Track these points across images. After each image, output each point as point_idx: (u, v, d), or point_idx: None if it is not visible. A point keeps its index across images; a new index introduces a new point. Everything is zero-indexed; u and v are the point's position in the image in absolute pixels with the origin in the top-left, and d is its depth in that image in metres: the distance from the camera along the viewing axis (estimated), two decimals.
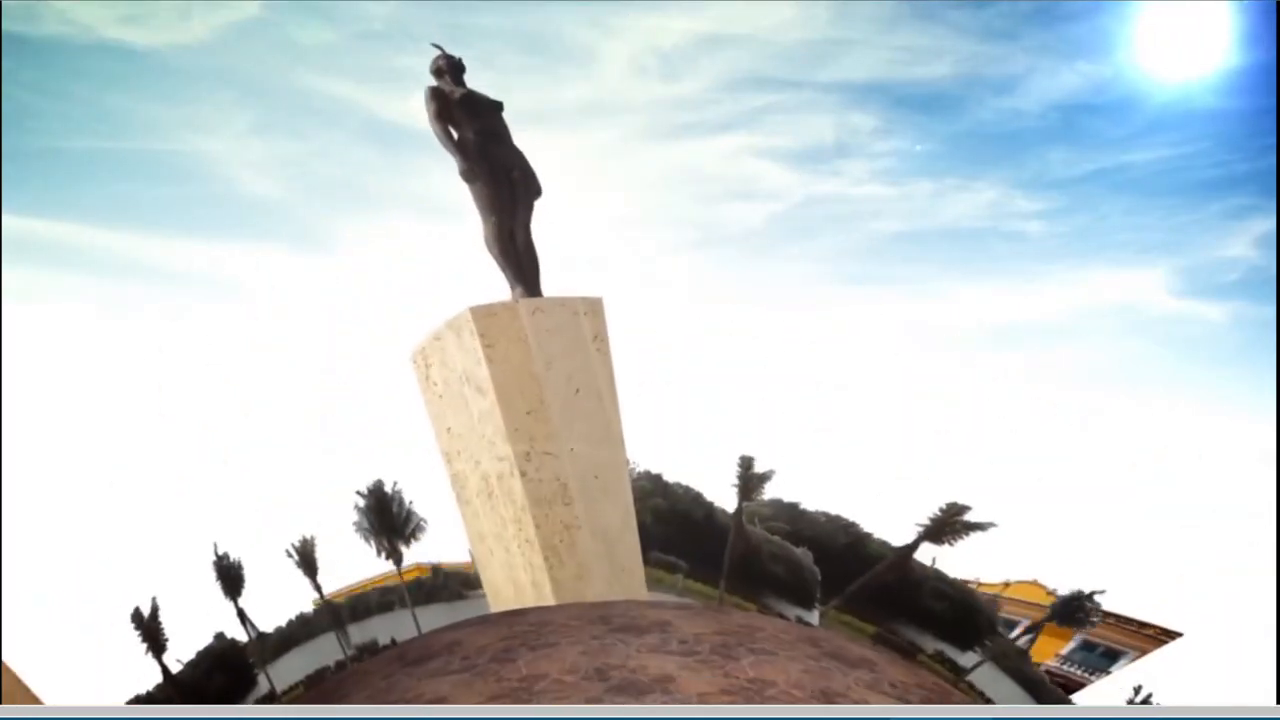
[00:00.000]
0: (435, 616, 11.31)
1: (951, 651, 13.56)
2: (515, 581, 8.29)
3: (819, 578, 14.12)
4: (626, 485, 8.36)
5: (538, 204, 8.18)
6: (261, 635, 13.42)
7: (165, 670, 12.52)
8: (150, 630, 12.57)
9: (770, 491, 12.42)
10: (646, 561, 9.29)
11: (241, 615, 12.64)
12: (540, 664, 5.08)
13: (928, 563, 12.84)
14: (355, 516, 11.82)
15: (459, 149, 7.56)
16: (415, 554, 12.71)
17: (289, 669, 13.87)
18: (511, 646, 5.58)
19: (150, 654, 12.34)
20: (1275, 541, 12.70)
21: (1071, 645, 16.23)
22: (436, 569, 15.00)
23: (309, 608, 14.33)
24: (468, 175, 7.54)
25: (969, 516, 11.42)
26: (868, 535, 15.10)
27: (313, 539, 12.00)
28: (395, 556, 11.82)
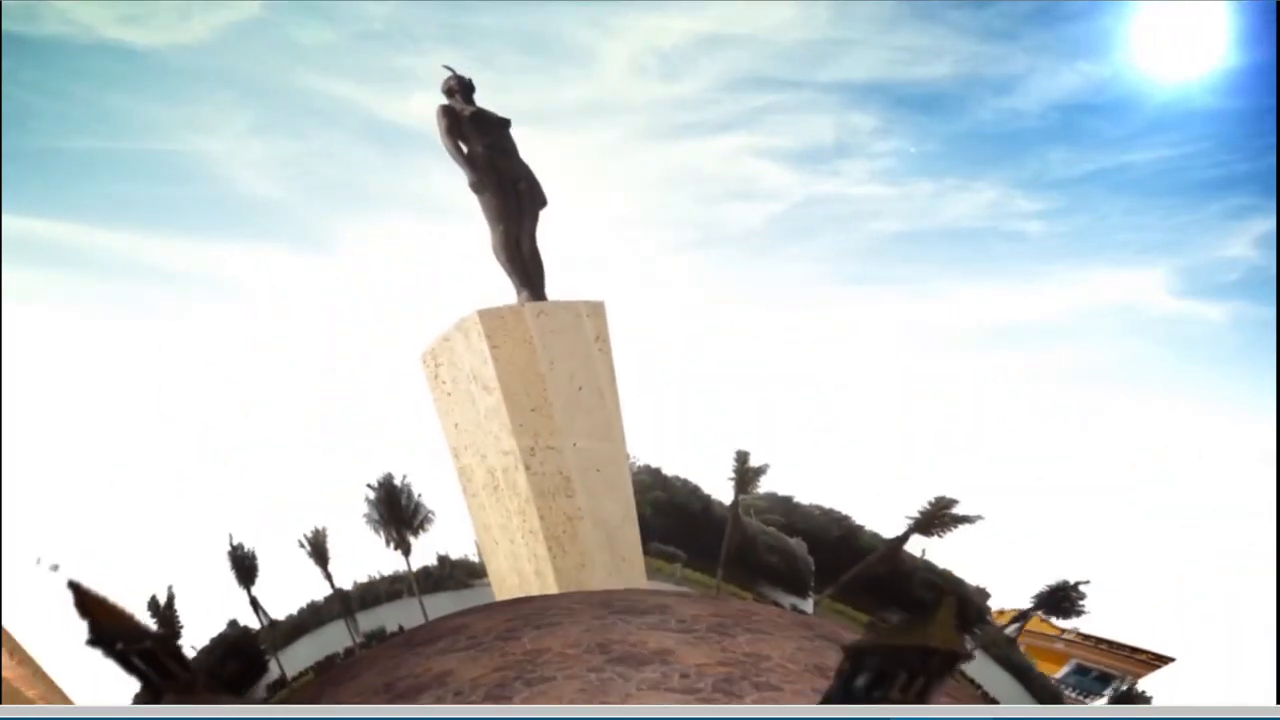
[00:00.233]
0: (442, 604, 11.70)
1: None
2: (520, 571, 8.66)
3: (813, 567, 14.50)
4: (627, 478, 8.74)
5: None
6: (273, 623, 13.83)
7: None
8: (166, 618, 12.94)
9: (766, 485, 12.78)
10: (646, 552, 9.68)
11: (254, 604, 13.01)
12: (544, 639, 5.39)
13: (918, 554, 13.21)
14: (365, 508, 12.19)
15: (469, 163, 7.98)
16: (423, 545, 13.09)
17: (300, 655, 14.29)
18: (516, 627, 5.92)
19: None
20: (1275, 541, 12.86)
21: (1066, 670, 16.65)
22: (443, 559, 15.42)
23: (319, 596, 14.75)
24: (477, 187, 7.95)
25: (957, 510, 11.79)
26: (860, 528, 15.50)
27: (324, 530, 12.39)
28: (404, 547, 12.21)
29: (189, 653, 13.22)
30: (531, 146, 8.60)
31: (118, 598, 3.87)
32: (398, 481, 12.00)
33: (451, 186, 8.53)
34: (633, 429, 8.70)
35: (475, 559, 14.53)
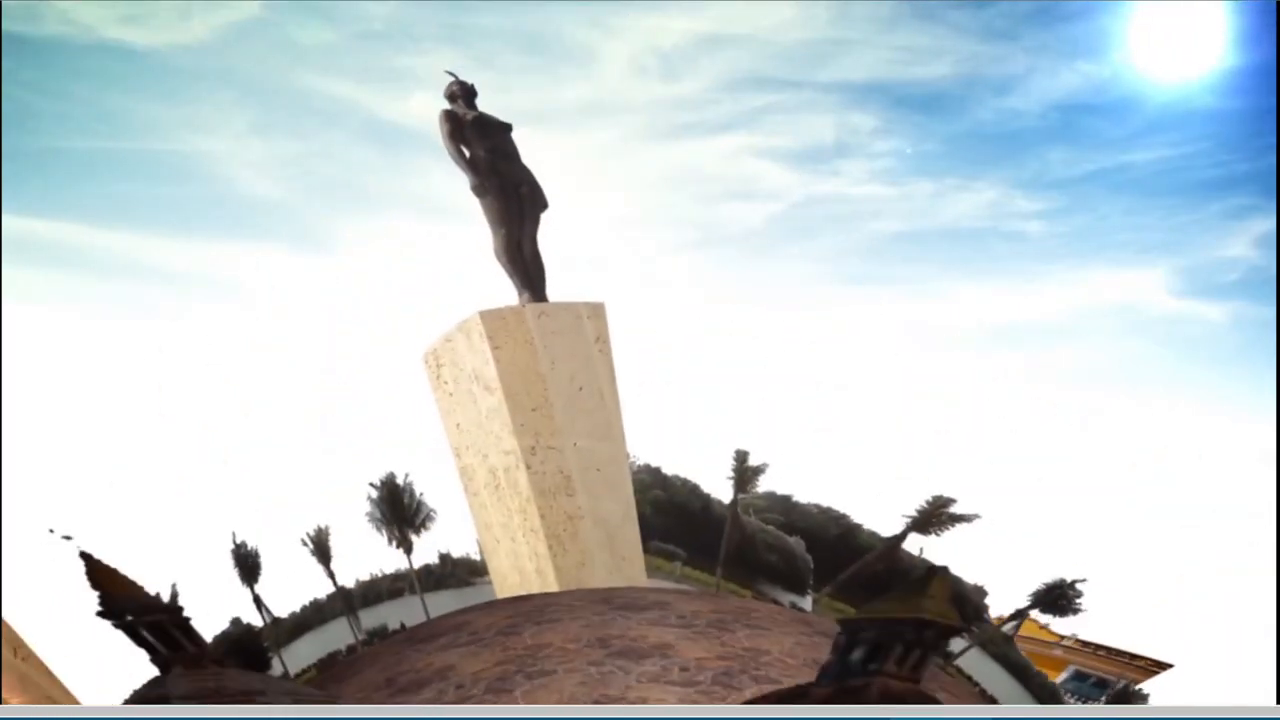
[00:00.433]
0: (444, 602, 11.78)
1: None
2: (521, 569, 8.74)
3: (811, 566, 14.58)
4: (627, 478, 8.83)
5: None
6: (276, 620, 13.92)
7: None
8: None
9: (765, 484, 12.86)
10: (646, 550, 9.77)
11: (257, 601, 13.08)
12: (545, 635, 5.45)
13: (915, 552, 13.27)
14: (368, 507, 12.26)
15: (471, 167, 8.08)
16: (425, 543, 13.17)
17: (302, 652, 14.38)
18: (517, 623, 5.99)
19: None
20: (1275, 541, 12.90)
21: (1064, 675, 16.74)
22: (444, 557, 15.52)
23: (322, 594, 14.85)
24: (479, 190, 8.05)
25: (954, 509, 11.85)
26: (858, 526, 15.60)
27: (327, 529, 12.46)
28: (406, 545, 12.28)
29: None
30: (532, 147, 8.71)
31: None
32: (400, 481, 12.08)
33: (452, 187, 8.63)
34: (633, 429, 8.81)
35: (477, 557, 14.64)
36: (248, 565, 12.49)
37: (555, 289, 8.62)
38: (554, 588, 8.14)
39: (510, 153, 8.22)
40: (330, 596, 14.31)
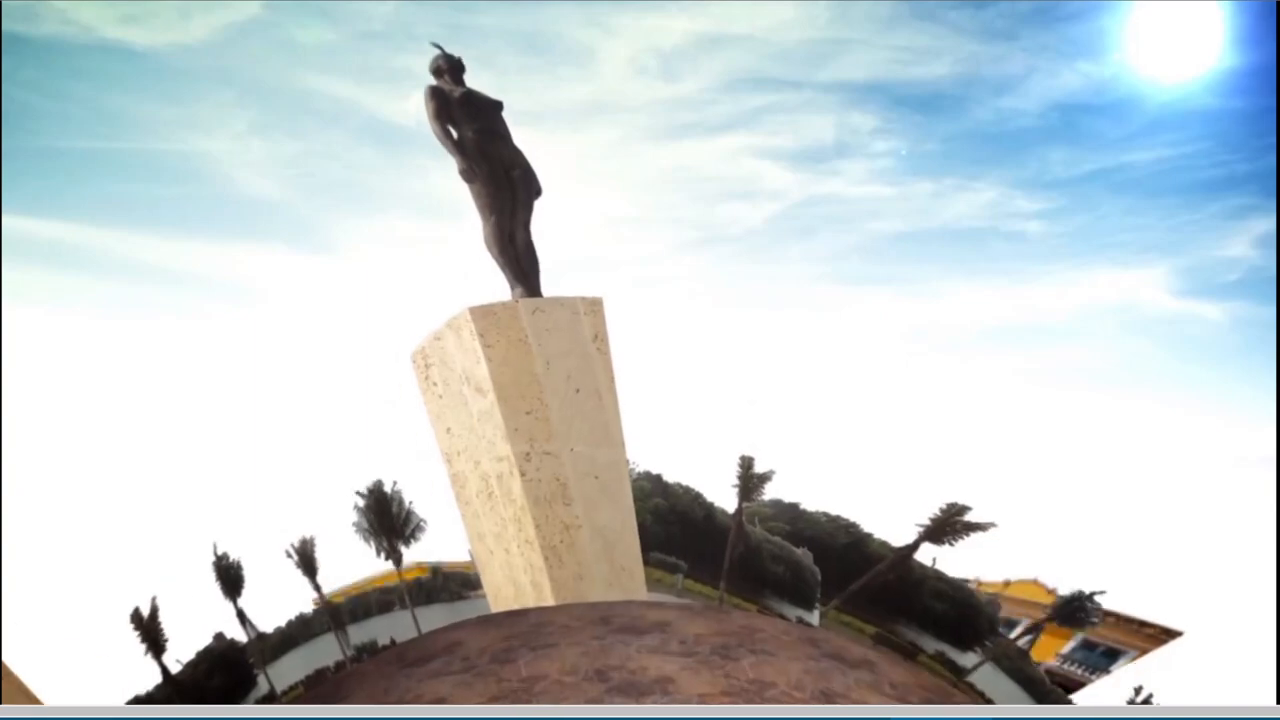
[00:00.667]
0: (435, 617, 11.29)
1: (952, 652, 13.54)
2: (515, 582, 8.28)
3: (819, 578, 14.09)
4: (626, 485, 8.33)
5: (537, 204, 8.16)
6: (261, 635, 13.41)
7: (165, 670, 12.50)
8: (150, 631, 12.54)
9: (771, 492, 12.41)
10: (646, 561, 9.27)
11: (241, 615, 12.61)
12: (540, 664, 5.07)
13: (928, 563, 12.83)
14: (355, 517, 11.79)
15: (458, 148, 7.54)
16: (415, 554, 12.71)
17: (288, 669, 13.86)
18: (512, 647, 5.58)
19: (150, 654, 12.32)
20: (1275, 541, 12.68)
21: (1072, 644, 16.18)
22: (436, 569, 14.98)
23: (308, 608, 14.33)
24: (467, 174, 7.52)
25: (969, 517, 11.41)
26: (868, 535, 15.07)
27: (312, 539, 11.98)
28: (395, 556, 11.80)
29: (174, 667, 12.82)
30: (531, 146, 8.27)
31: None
32: (388, 489, 11.60)
33: (452, 186, 8.20)
34: (633, 433, 8.32)
35: (470, 570, 14.13)
36: (230, 578, 12.01)
37: (554, 289, 8.14)
38: (550, 601, 7.68)
39: (502, 133, 7.69)
40: (317, 610, 13.82)
